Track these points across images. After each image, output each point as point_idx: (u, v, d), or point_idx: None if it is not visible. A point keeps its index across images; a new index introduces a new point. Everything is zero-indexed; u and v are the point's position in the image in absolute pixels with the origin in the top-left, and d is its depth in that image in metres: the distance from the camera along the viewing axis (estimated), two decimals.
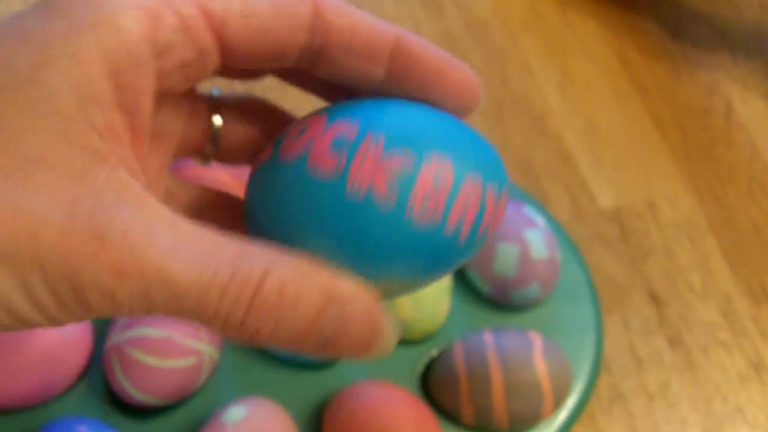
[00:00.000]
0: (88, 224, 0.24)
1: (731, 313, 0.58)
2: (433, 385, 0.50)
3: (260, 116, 0.33)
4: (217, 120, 0.32)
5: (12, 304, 0.24)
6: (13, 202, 0.23)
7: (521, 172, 0.62)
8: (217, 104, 0.33)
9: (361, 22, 0.28)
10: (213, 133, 0.32)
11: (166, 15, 0.26)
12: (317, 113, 0.29)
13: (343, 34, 0.28)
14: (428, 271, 0.28)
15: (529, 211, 0.54)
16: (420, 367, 0.52)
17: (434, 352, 0.52)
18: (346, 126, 0.28)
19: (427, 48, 0.29)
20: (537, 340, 0.50)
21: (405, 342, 0.52)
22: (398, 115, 0.28)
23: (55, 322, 0.25)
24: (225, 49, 0.28)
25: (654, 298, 0.58)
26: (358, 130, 0.27)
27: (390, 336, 0.27)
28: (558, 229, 0.57)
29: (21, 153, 0.24)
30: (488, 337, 0.50)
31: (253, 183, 0.29)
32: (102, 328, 0.50)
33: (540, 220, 0.54)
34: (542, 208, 0.58)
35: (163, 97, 0.29)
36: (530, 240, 0.52)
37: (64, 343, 0.46)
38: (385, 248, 0.27)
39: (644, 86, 0.67)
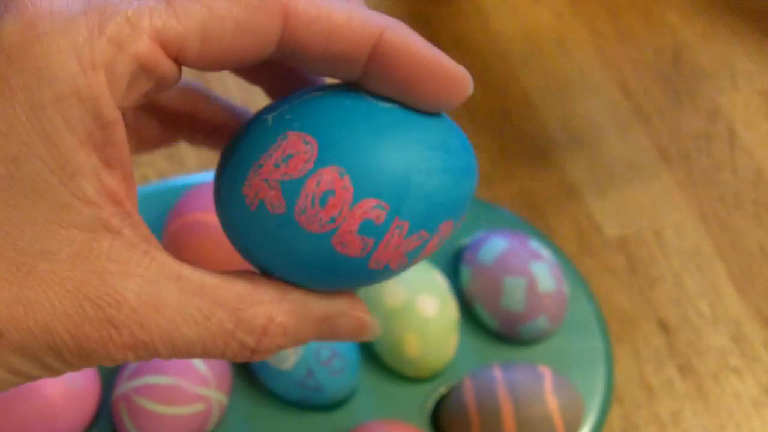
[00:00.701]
0: (97, 311, 0.25)
1: (741, 338, 0.58)
2: (444, 423, 0.50)
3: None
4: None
5: (27, 373, 0.25)
6: (23, 300, 0.24)
7: (526, 206, 0.62)
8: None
9: (338, 26, 0.27)
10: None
11: (122, 62, 0.25)
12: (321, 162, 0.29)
13: (316, 45, 0.27)
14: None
15: (534, 244, 0.54)
16: (430, 404, 0.52)
17: (443, 389, 0.52)
18: (374, 208, 0.28)
19: (411, 50, 0.28)
20: (547, 375, 0.50)
21: (414, 380, 0.52)
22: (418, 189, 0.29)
23: (57, 374, 0.26)
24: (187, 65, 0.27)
25: (663, 327, 0.58)
26: (387, 215, 0.28)
27: (374, 327, 0.30)
28: (564, 261, 0.57)
29: (20, 248, 0.24)
30: (498, 373, 0.50)
31: (253, 226, 0.29)
32: (109, 378, 0.50)
33: (546, 252, 0.54)
34: (548, 240, 0.57)
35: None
36: (537, 273, 0.52)
37: (71, 395, 0.46)
38: None
39: (646, 114, 0.67)
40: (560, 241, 0.61)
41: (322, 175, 0.27)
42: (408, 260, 0.29)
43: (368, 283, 0.29)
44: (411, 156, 0.29)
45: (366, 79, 0.29)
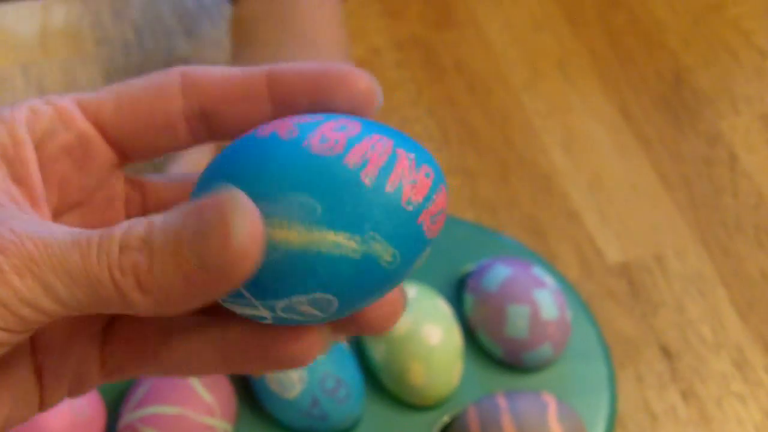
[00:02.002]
0: None
1: (744, 363, 0.58)
2: None
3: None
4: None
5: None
6: None
7: (528, 232, 0.62)
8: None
9: (231, 72, 0.30)
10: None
11: (42, 107, 0.29)
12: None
13: (215, 89, 0.30)
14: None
15: (537, 271, 0.54)
16: None
17: (448, 418, 0.52)
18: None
19: (300, 69, 0.30)
20: (551, 403, 0.50)
21: (418, 408, 0.52)
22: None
23: None
24: (110, 138, 0.31)
25: (666, 352, 0.58)
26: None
27: (240, 205, 0.25)
28: (567, 287, 0.57)
29: None
30: (502, 401, 0.50)
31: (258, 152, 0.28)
32: (115, 408, 0.50)
33: (549, 279, 0.54)
34: (551, 267, 0.58)
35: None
36: (540, 301, 0.53)
37: (77, 426, 0.46)
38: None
39: (647, 139, 0.68)
40: (562, 266, 0.61)
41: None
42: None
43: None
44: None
45: (280, 112, 0.31)
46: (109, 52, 0.68)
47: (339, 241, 0.26)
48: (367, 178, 0.26)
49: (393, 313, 0.31)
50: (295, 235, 0.26)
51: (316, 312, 0.27)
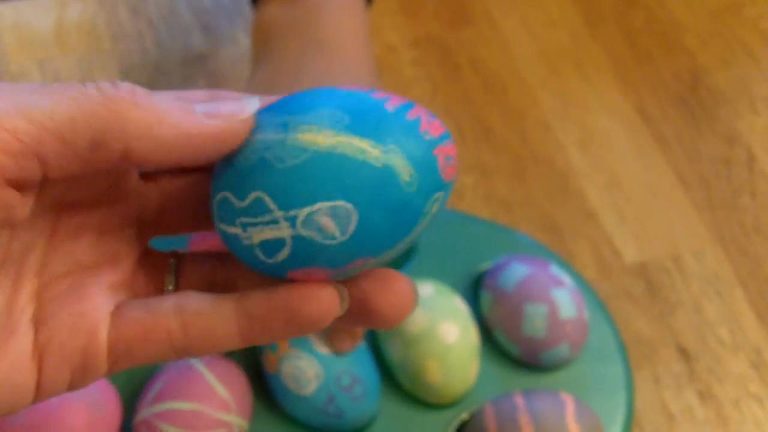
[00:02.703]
0: None
1: (762, 364, 0.58)
2: None
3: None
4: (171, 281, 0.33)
5: None
6: None
7: (546, 231, 0.62)
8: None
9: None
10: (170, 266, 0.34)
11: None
12: None
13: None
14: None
15: (555, 270, 0.54)
16: (451, 431, 0.51)
17: (465, 416, 0.52)
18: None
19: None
20: (569, 402, 0.50)
21: (434, 406, 0.52)
22: None
23: None
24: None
25: (683, 353, 0.58)
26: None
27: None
28: (585, 286, 0.57)
29: None
30: (519, 400, 0.50)
31: None
32: (131, 403, 0.50)
33: (567, 278, 0.54)
34: (568, 266, 0.57)
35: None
36: (558, 300, 0.52)
37: (93, 422, 0.46)
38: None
39: (664, 138, 0.67)
40: (579, 266, 0.60)
41: None
42: None
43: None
44: None
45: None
46: (125, 48, 0.68)
47: (363, 147, 0.28)
48: (390, 106, 0.29)
49: (404, 305, 0.31)
50: (323, 138, 0.28)
51: (335, 228, 0.28)
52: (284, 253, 0.29)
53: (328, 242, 0.28)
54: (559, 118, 0.68)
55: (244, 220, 0.29)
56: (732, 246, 0.63)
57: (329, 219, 0.28)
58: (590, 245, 0.62)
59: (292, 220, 0.28)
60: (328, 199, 0.28)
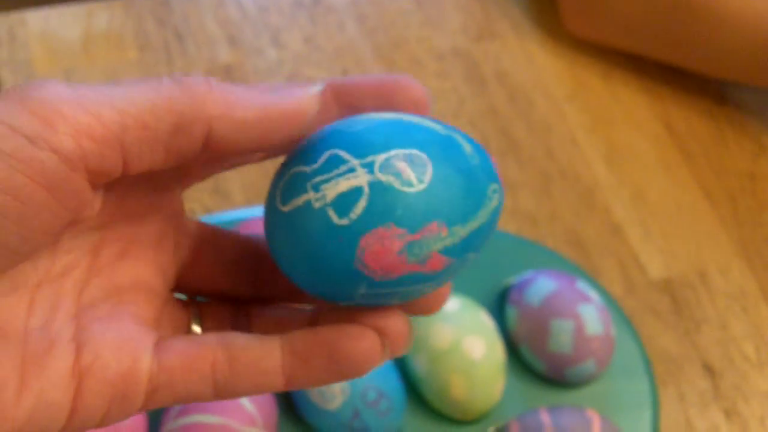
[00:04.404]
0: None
1: None
2: None
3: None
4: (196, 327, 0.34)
5: None
6: None
7: (571, 246, 0.62)
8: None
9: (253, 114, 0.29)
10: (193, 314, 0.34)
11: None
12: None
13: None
14: None
15: (582, 285, 0.54)
16: None
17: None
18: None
19: (362, 81, 0.32)
20: (595, 419, 0.49)
21: (460, 422, 0.52)
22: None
23: None
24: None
25: (709, 370, 0.58)
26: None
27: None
28: (611, 302, 0.57)
29: None
30: (545, 416, 0.50)
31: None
32: (156, 417, 0.50)
33: (593, 294, 0.54)
34: (594, 282, 0.57)
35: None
36: (585, 316, 0.52)
37: None
38: None
39: (690, 153, 0.67)
40: (605, 281, 0.60)
41: None
42: None
43: None
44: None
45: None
46: (152, 58, 0.68)
47: (428, 123, 0.30)
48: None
49: (439, 293, 0.32)
50: (389, 115, 0.30)
51: (412, 174, 0.28)
52: (360, 207, 0.28)
53: (405, 189, 0.28)
54: (586, 132, 0.68)
55: (317, 179, 0.29)
56: (757, 261, 0.62)
57: (406, 164, 0.28)
58: (616, 260, 0.61)
59: (369, 167, 0.28)
60: (403, 146, 0.28)
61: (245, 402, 0.47)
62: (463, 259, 0.29)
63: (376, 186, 0.28)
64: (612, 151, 0.67)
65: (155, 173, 0.30)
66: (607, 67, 0.72)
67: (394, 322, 0.30)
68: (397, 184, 0.28)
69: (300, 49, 0.69)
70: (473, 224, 0.29)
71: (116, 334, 0.29)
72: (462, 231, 0.29)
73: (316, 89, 0.29)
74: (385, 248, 0.28)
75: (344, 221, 0.28)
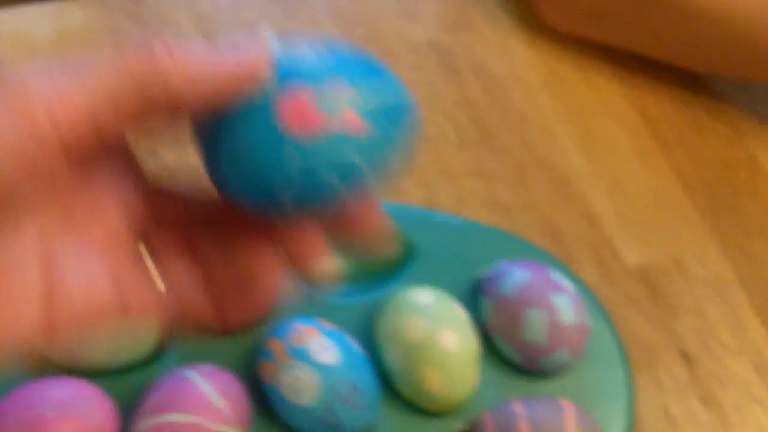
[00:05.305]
0: None
1: (765, 368, 0.57)
2: None
3: None
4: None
5: None
6: None
7: (546, 236, 0.61)
8: None
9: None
10: None
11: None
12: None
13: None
14: None
15: (555, 275, 0.54)
16: None
17: (464, 425, 0.52)
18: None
19: None
20: (569, 409, 0.49)
21: (434, 415, 0.52)
22: None
23: None
24: None
25: (685, 357, 0.58)
26: None
27: None
28: (586, 291, 0.56)
29: None
30: (519, 407, 0.49)
31: None
32: (127, 415, 0.49)
33: (567, 284, 0.54)
34: (569, 271, 0.57)
35: None
36: (558, 306, 0.52)
37: None
38: None
39: (667, 142, 0.67)
40: (581, 270, 0.60)
41: None
42: None
43: None
44: None
45: None
46: None
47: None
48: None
49: (371, 211, 0.36)
50: None
51: (315, 53, 0.33)
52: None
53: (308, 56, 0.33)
54: (561, 122, 0.68)
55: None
56: (734, 248, 0.62)
57: (312, 51, 0.34)
58: (592, 249, 0.61)
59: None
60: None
61: (216, 399, 0.47)
62: (383, 139, 0.33)
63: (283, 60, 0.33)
64: (588, 141, 0.67)
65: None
66: (582, 57, 0.71)
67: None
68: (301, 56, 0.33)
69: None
70: (381, 97, 0.33)
71: None
72: (370, 98, 0.33)
73: (263, 35, 0.33)
74: (298, 102, 0.32)
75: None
